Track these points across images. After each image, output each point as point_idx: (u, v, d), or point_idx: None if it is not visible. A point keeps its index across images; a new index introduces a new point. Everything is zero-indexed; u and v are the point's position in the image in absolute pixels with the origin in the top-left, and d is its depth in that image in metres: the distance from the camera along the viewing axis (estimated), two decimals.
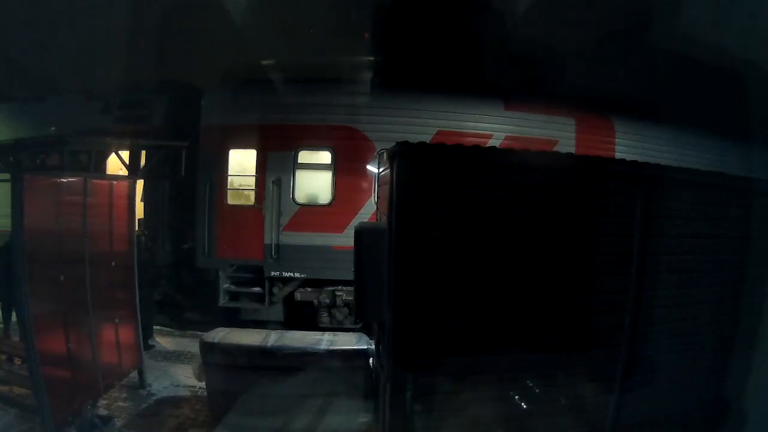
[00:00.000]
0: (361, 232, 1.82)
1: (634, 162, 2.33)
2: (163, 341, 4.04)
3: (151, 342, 3.71)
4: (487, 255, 1.73)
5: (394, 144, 1.82)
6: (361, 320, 2.50)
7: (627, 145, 4.78)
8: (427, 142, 4.03)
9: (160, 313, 4.32)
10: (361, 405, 2.68)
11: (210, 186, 3.91)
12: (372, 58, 4.16)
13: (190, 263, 4.07)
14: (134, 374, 3.33)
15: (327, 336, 2.84)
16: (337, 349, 2.67)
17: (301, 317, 4.21)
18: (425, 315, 1.60)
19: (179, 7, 3.81)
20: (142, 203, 3.98)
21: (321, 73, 4.04)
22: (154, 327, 4.06)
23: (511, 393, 2.22)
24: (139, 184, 3.56)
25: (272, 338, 2.74)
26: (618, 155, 4.85)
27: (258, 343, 2.72)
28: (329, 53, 4.06)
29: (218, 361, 2.81)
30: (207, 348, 2.82)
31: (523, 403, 2.23)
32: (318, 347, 2.66)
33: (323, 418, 2.71)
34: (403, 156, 1.72)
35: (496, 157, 1.98)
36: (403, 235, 1.61)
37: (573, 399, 2.41)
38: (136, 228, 3.76)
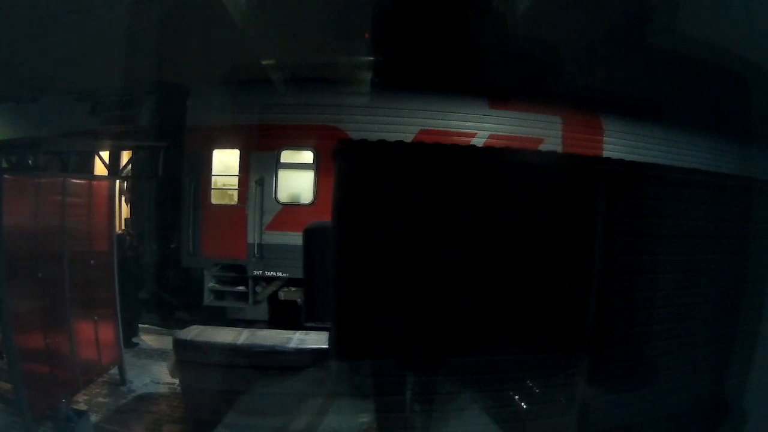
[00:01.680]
0: (309, 231, 1.83)
1: (597, 158, 2.32)
2: (149, 339, 4.09)
3: (135, 340, 3.77)
4: (433, 253, 1.73)
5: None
6: (310, 320, 2.53)
7: (617, 143, 4.72)
8: (409, 141, 4.03)
9: (150, 313, 4.40)
10: (361, 405, 2.70)
11: (195, 186, 3.96)
12: (357, 58, 4.17)
13: (176, 263, 4.13)
14: (116, 371, 3.43)
15: (298, 335, 2.86)
16: (306, 348, 2.69)
17: (286, 316, 4.24)
18: (366, 314, 1.61)
19: (170, 6, 3.86)
20: (129, 203, 4.07)
21: (305, 74, 4.06)
22: (141, 325, 4.15)
23: (511, 393, 2.22)
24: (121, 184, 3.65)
25: (243, 336, 2.77)
26: (607, 154, 4.81)
27: (229, 341, 2.75)
28: (320, 54, 4.08)
29: (190, 359, 2.85)
30: (180, 345, 2.86)
31: (523, 403, 2.23)
32: (287, 346, 2.68)
33: (323, 418, 2.71)
34: (344, 154, 1.73)
35: (443, 153, 1.97)
36: (344, 234, 1.62)
37: (573, 399, 2.40)
38: (123, 227, 3.85)
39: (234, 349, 2.64)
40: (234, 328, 3.01)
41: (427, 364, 2.07)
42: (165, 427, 2.93)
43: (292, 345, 2.68)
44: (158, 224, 4.32)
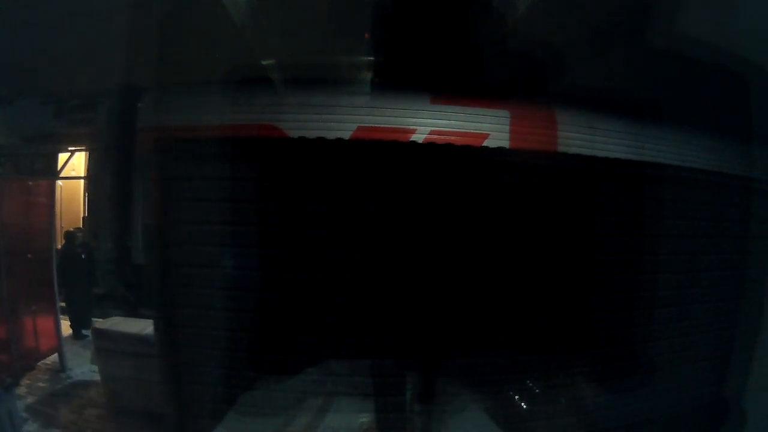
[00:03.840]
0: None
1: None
2: None
3: (84, 332, 4.00)
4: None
5: None
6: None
7: (573, 138, 4.55)
8: (347, 138, 4.08)
9: (116, 308, 4.64)
10: (361, 405, 2.71)
11: (144, 185, 4.15)
12: (300, 59, 4.24)
13: (129, 260, 4.33)
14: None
15: None
16: None
17: None
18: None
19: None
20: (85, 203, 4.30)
21: (248, 74, 4.16)
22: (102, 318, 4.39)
23: (511, 393, 2.26)
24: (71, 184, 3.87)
25: (150, 328, 2.91)
26: (562, 149, 4.64)
27: (135, 332, 2.89)
28: (266, 56, 4.18)
29: (106, 347, 3.01)
30: (98, 334, 3.04)
31: (523, 403, 2.27)
32: None
33: (323, 418, 2.76)
34: (158, 153, 1.79)
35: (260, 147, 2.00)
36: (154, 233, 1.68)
37: (573, 399, 2.41)
38: (79, 226, 4.08)
39: (138, 339, 2.77)
40: (146, 320, 3.15)
41: (427, 364, 2.16)
42: (87, 410, 3.13)
43: None
44: (114, 222, 4.56)
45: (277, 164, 3.39)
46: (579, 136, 4.51)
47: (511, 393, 2.57)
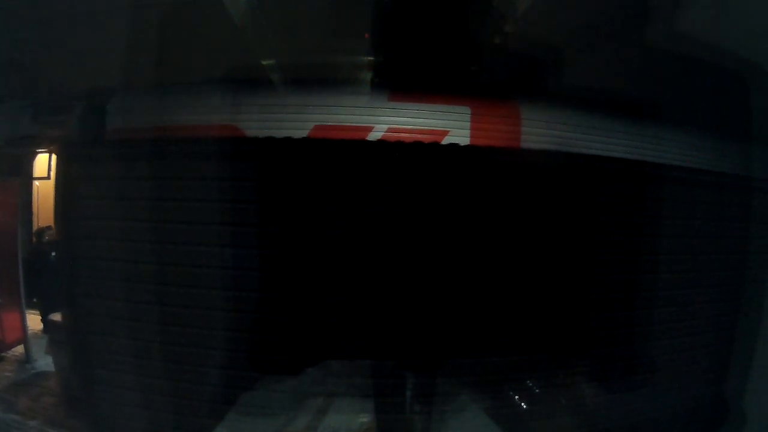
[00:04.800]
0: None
1: None
2: None
3: None
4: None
5: None
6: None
7: (537, 133, 4.45)
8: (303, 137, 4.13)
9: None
10: (361, 405, 2.76)
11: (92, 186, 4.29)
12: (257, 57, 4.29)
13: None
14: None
15: None
16: None
17: None
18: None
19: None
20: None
21: (206, 74, 4.24)
22: None
23: (511, 393, 2.31)
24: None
25: None
26: (525, 144, 4.55)
27: None
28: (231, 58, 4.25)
29: (57, 339, 3.16)
30: (50, 326, 3.19)
31: (523, 403, 2.32)
32: None
33: (323, 418, 2.80)
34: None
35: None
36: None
37: (573, 399, 2.45)
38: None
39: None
40: None
41: (426, 364, 2.22)
42: (44, 398, 3.31)
43: None
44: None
45: (234, 164, 3.45)
46: (544, 132, 4.44)
47: (511, 393, 2.57)
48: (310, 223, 2.80)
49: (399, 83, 4.19)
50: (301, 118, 4.14)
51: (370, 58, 4.19)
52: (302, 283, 2.69)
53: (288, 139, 3.73)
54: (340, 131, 4.03)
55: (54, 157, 3.95)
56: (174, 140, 3.20)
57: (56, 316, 3.21)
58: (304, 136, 4.04)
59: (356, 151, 3.56)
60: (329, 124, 4.10)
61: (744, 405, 2.95)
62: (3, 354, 3.62)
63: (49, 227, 4.41)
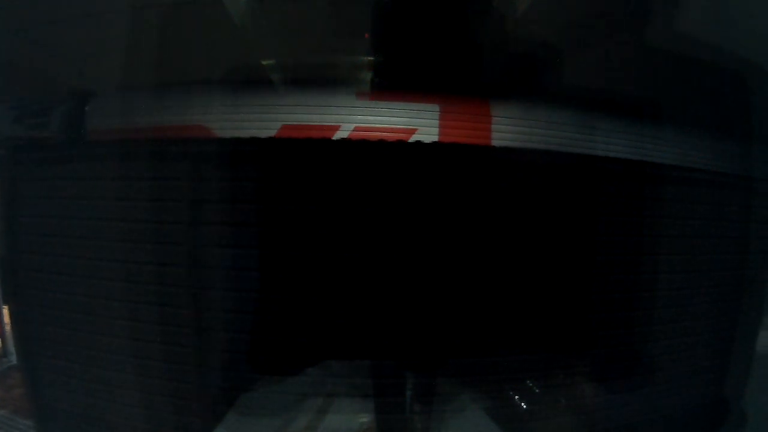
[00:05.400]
0: None
1: None
2: None
3: None
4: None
5: None
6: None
7: (508, 131, 4.40)
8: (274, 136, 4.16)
9: None
10: (361, 405, 2.78)
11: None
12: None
13: None
14: None
15: None
16: None
17: None
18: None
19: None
20: None
21: (176, 76, 4.31)
22: None
23: (511, 393, 2.33)
24: None
25: None
26: (496, 142, 4.50)
27: None
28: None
29: (16, 332, 3.26)
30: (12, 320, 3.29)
31: (523, 403, 2.34)
32: None
33: (323, 418, 2.83)
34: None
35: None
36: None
37: (573, 399, 2.46)
38: None
39: None
40: None
41: (426, 364, 2.25)
42: (15, 390, 3.43)
43: None
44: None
45: (200, 164, 3.50)
46: (515, 129, 4.39)
47: (511, 393, 2.57)
48: (276, 222, 2.82)
49: (366, 81, 4.20)
50: (270, 118, 4.18)
51: (338, 57, 4.20)
52: (270, 283, 2.70)
53: (254, 139, 3.76)
54: (307, 131, 4.05)
55: None
56: (136, 141, 3.26)
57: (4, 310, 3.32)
58: (272, 135, 4.07)
59: (321, 150, 3.57)
60: (297, 123, 4.13)
61: (744, 405, 2.90)
62: None
63: None
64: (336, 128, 4.16)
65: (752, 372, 3.01)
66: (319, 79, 4.16)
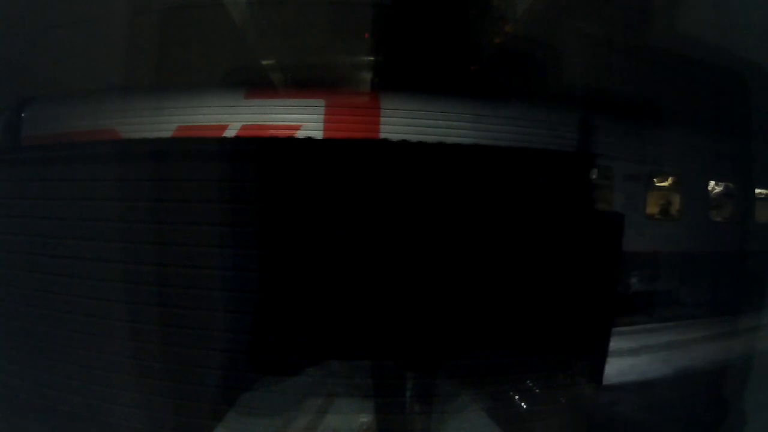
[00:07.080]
0: None
1: None
2: None
3: None
4: None
5: None
6: None
7: (398, 123, 4.33)
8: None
9: None
10: (361, 405, 2.77)
11: None
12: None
13: None
14: None
15: None
16: None
17: None
18: None
19: None
20: None
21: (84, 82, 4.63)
22: None
23: (511, 393, 2.49)
24: None
25: None
26: (384, 135, 4.43)
27: None
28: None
29: None
30: None
31: (523, 403, 2.50)
32: None
33: (323, 418, 2.81)
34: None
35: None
36: None
37: (573, 399, 2.61)
38: None
39: None
40: None
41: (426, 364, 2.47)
42: None
43: None
44: None
45: (107, 166, 3.80)
46: (406, 122, 4.34)
47: (512, 393, 2.61)
48: (174, 220, 2.98)
49: (255, 81, 4.33)
50: (167, 120, 4.44)
51: (228, 58, 4.35)
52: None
53: (146, 140, 4.02)
54: (199, 130, 4.27)
55: None
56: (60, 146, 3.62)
57: None
58: (169, 136, 4.31)
59: (209, 149, 3.74)
60: (190, 124, 4.36)
61: (744, 405, 2.78)
62: None
63: None
64: (224, 127, 4.34)
65: (752, 372, 2.85)
66: (211, 80, 4.34)
